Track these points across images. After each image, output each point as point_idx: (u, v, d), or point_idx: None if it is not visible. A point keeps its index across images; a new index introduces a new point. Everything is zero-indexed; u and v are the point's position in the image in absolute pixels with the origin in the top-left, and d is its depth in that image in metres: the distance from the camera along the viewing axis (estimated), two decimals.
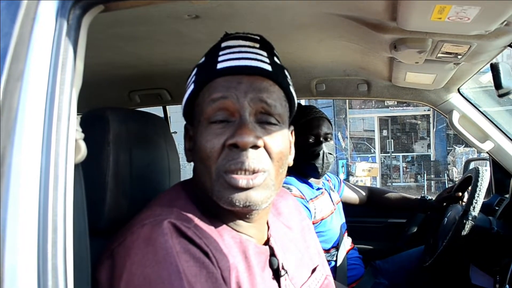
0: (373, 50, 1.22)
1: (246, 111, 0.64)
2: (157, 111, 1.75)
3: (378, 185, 10.53)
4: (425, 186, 10.60)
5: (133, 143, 0.80)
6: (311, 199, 1.56)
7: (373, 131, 12.26)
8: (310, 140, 1.57)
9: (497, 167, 1.68)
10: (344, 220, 1.72)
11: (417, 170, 11.86)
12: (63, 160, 0.51)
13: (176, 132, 1.97)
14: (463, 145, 9.72)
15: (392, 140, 12.00)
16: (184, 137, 0.73)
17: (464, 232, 1.34)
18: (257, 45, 0.70)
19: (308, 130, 1.58)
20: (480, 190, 1.40)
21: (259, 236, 0.72)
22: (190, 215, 0.64)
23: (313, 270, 0.80)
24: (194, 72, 0.72)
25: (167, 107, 2.12)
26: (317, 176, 1.61)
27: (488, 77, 1.26)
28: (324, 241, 1.54)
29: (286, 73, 0.72)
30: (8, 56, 0.50)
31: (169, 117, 2.24)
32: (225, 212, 0.66)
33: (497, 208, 1.63)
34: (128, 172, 0.78)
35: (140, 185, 0.81)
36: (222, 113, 0.64)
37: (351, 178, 10.05)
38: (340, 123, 11.56)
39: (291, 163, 0.73)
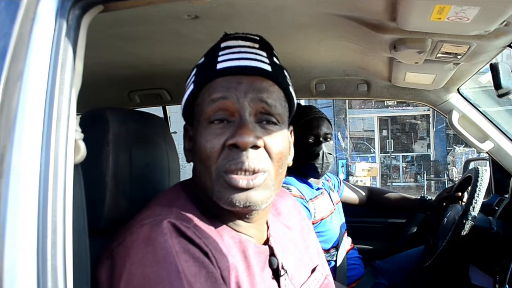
0: (373, 50, 1.22)
1: (246, 111, 0.64)
2: (157, 111, 1.75)
3: (378, 185, 10.53)
4: (425, 186, 10.60)
5: (133, 143, 0.80)
6: (310, 199, 1.56)
7: (373, 131, 12.26)
8: (310, 140, 1.57)
9: (496, 167, 1.68)
10: (344, 220, 1.72)
11: (417, 170, 11.86)
12: (63, 160, 0.51)
13: (176, 132, 1.97)
14: (463, 145, 9.72)
15: (392, 140, 12.01)
16: (184, 137, 0.73)
17: (463, 232, 1.34)
18: (257, 46, 0.70)
19: (307, 130, 1.58)
20: (479, 190, 1.40)
21: (258, 236, 0.72)
22: (189, 215, 0.64)
23: (313, 270, 0.80)
24: (193, 73, 0.72)
25: (166, 107, 2.12)
26: (317, 176, 1.61)
27: (487, 77, 1.26)
28: (324, 241, 1.54)
29: (286, 73, 0.72)
30: (8, 56, 0.50)
31: (169, 117, 2.24)
32: (224, 212, 0.66)
33: (496, 208, 1.63)
34: (128, 172, 0.78)
35: (140, 185, 0.81)
36: (222, 113, 0.64)
37: (351, 178, 10.05)
38: (339, 123, 11.56)
39: (290, 163, 0.73)
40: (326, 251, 1.56)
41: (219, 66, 0.66)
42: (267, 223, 0.76)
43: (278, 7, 0.96)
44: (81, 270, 0.56)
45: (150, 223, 0.60)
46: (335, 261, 1.57)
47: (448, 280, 1.60)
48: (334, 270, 1.54)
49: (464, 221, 1.34)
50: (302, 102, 5.01)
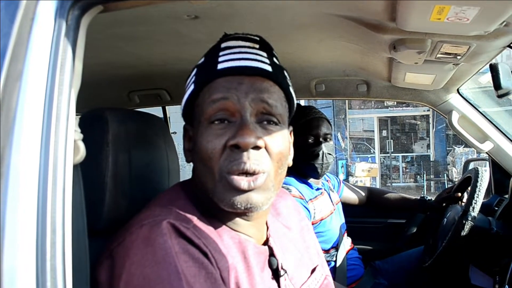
0: (373, 51, 1.22)
1: (247, 111, 0.64)
2: (157, 111, 1.75)
3: (378, 186, 10.53)
4: (425, 187, 10.60)
5: (132, 143, 0.80)
6: (310, 199, 1.56)
7: (373, 131, 12.25)
8: (310, 140, 1.57)
9: (496, 168, 1.68)
10: (343, 220, 1.72)
11: (417, 170, 11.86)
12: (62, 161, 0.51)
13: (175, 133, 1.97)
14: (463, 146, 9.72)
15: (391, 141, 12.00)
16: (183, 138, 0.73)
17: (463, 233, 1.34)
18: (257, 46, 0.70)
19: (307, 130, 1.58)
20: (479, 191, 1.40)
21: (258, 236, 0.72)
22: (189, 215, 0.64)
23: (313, 270, 0.80)
24: (193, 73, 0.71)
25: (166, 107, 2.12)
26: (317, 176, 1.61)
27: (487, 78, 1.26)
28: (323, 242, 1.54)
29: (286, 73, 0.72)
30: (7, 56, 0.50)
31: (169, 117, 2.24)
32: (224, 212, 0.66)
33: (496, 208, 1.63)
34: (127, 172, 0.78)
35: (139, 186, 0.81)
36: (223, 113, 0.64)
37: (350, 178, 10.04)
38: (339, 124, 11.56)
39: (290, 163, 0.73)
40: (326, 251, 1.56)
41: (219, 66, 0.66)
42: (266, 223, 0.76)
43: (278, 7, 0.96)
44: (81, 270, 0.56)
45: (149, 224, 0.60)
46: (335, 261, 1.57)
47: (448, 281, 1.60)
48: (334, 270, 1.54)
49: (464, 221, 1.34)
50: (302, 102, 5.02)
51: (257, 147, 0.62)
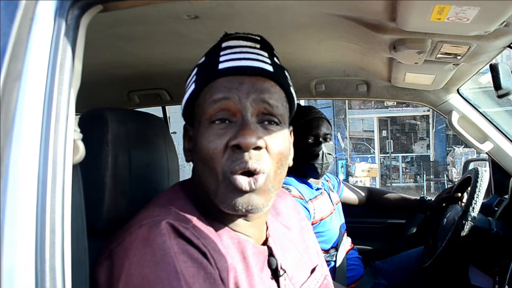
0: (373, 51, 1.22)
1: (248, 111, 0.64)
2: (157, 111, 1.75)
3: (378, 186, 10.53)
4: (425, 187, 10.60)
5: (132, 143, 0.80)
6: (310, 199, 1.56)
7: (373, 131, 12.25)
8: (310, 140, 1.57)
9: (496, 168, 1.68)
10: (343, 220, 1.72)
11: (417, 170, 11.86)
12: (61, 161, 0.51)
13: (175, 133, 1.97)
14: (463, 146, 9.72)
15: (391, 141, 11.99)
16: (183, 138, 0.73)
17: (463, 233, 1.34)
18: (258, 46, 0.70)
19: (307, 130, 1.58)
20: (479, 191, 1.40)
21: (257, 236, 0.72)
22: (188, 216, 0.64)
23: (313, 270, 0.80)
24: (194, 72, 0.71)
25: (166, 107, 2.12)
26: (317, 176, 1.61)
27: (487, 78, 1.26)
28: (323, 242, 1.54)
29: (286, 73, 0.72)
30: (6, 56, 0.50)
31: (169, 117, 2.24)
32: (224, 213, 0.66)
33: (496, 208, 1.63)
34: (127, 172, 0.78)
35: (139, 186, 0.81)
36: (224, 113, 0.64)
37: (350, 178, 10.04)
38: (339, 124, 11.56)
39: (291, 163, 0.73)
40: (326, 251, 1.56)
41: (220, 66, 0.66)
42: (266, 223, 0.75)
43: (278, 7, 0.96)
44: (80, 270, 0.56)
45: (148, 224, 0.60)
46: (335, 261, 1.57)
47: (448, 281, 1.60)
48: (333, 270, 1.54)
49: (464, 221, 1.34)
50: (302, 102, 5.02)
51: (258, 147, 0.62)
